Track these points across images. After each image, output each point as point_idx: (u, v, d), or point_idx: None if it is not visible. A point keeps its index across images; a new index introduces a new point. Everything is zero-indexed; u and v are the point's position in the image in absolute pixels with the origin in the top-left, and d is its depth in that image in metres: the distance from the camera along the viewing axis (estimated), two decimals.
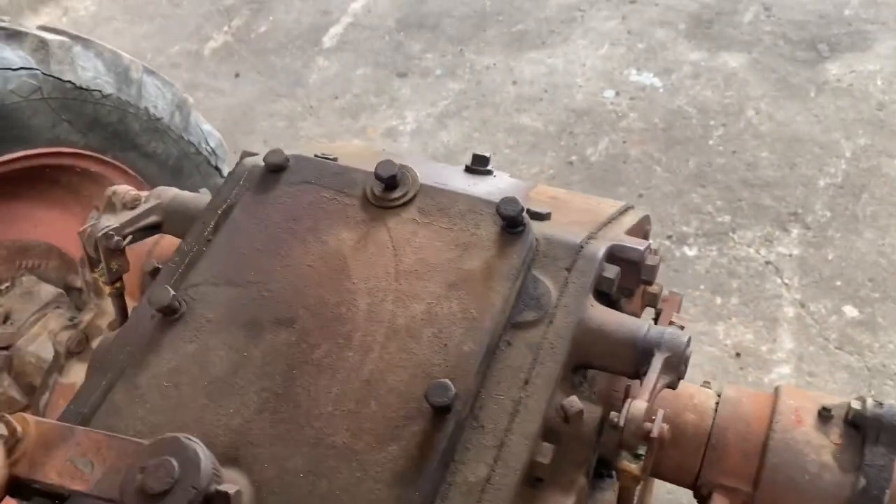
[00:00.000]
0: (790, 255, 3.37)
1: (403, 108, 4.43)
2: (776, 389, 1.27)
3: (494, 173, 1.49)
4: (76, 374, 1.66)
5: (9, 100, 1.95)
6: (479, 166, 1.47)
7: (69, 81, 2.08)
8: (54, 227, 2.40)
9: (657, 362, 1.02)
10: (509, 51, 4.67)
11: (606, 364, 1.09)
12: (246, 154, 1.41)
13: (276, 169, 1.27)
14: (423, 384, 1.00)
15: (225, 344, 1.09)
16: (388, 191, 1.20)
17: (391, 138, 4.26)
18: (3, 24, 2.07)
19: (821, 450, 1.15)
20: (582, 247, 1.14)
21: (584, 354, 1.09)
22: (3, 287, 2.26)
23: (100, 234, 1.26)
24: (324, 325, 1.08)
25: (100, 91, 2.18)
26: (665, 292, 1.50)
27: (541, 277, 1.12)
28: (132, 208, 1.60)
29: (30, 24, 2.31)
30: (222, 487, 0.85)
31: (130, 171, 2.39)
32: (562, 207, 1.31)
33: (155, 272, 1.28)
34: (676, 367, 1.04)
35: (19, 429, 0.92)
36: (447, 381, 0.96)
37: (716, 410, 1.25)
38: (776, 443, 1.17)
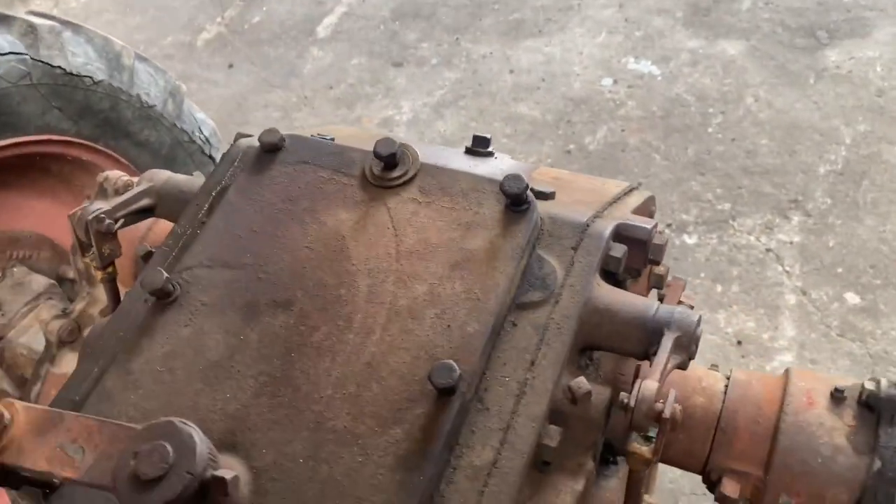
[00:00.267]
0: (791, 243, 3.35)
1: (399, 98, 4.39)
2: (786, 371, 1.24)
3: (495, 155, 1.45)
4: (68, 363, 1.62)
5: None
6: (479, 148, 1.43)
7: (59, 67, 2.04)
8: (45, 216, 2.36)
9: (667, 342, 0.99)
10: (506, 39, 4.63)
11: (614, 345, 1.06)
12: (240, 135, 1.37)
13: (271, 149, 1.23)
14: (426, 366, 0.96)
15: (221, 327, 1.05)
16: (388, 170, 1.17)
17: (387, 128, 4.22)
18: None
19: (834, 432, 1.13)
20: (588, 225, 1.11)
21: (591, 335, 1.06)
22: None
23: (90, 217, 1.22)
24: (323, 308, 1.05)
25: (91, 77, 2.13)
26: (669, 277, 1.46)
27: (546, 257, 1.08)
28: (123, 194, 1.57)
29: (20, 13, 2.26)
30: (219, 473, 0.81)
31: (123, 160, 2.35)
32: (565, 188, 1.28)
33: (148, 256, 1.24)
34: (687, 346, 1.01)
35: (6, 415, 0.89)
36: (451, 361, 0.92)
37: (725, 393, 1.22)
38: (788, 425, 1.14)
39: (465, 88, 4.37)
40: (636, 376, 1.07)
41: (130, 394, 1.02)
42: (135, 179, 1.63)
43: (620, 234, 1.14)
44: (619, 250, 1.10)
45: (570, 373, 1.04)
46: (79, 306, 1.65)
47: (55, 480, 0.93)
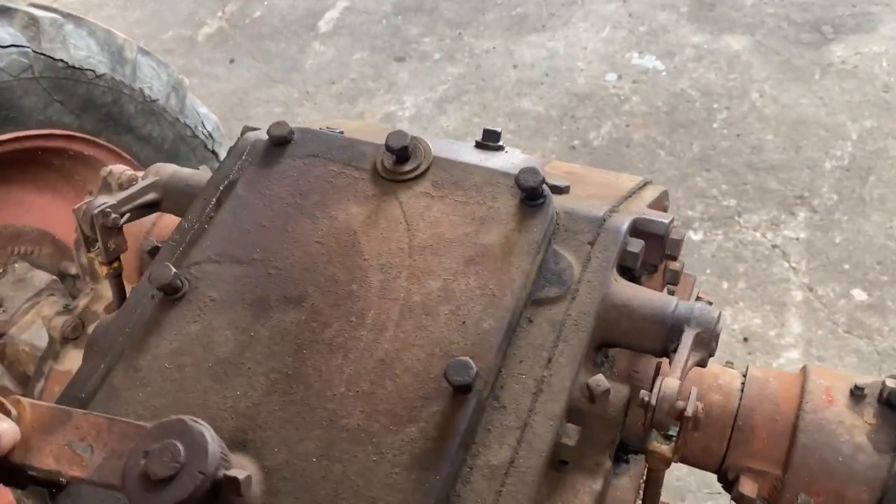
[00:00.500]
0: (797, 239, 3.32)
1: (402, 93, 4.36)
2: (803, 369, 1.22)
3: (506, 149, 1.43)
4: (72, 360, 1.60)
5: None
6: (490, 141, 1.41)
7: (61, 60, 2.01)
8: (47, 212, 2.33)
9: (688, 339, 0.97)
10: (509, 34, 4.60)
11: (632, 342, 1.04)
12: (247, 129, 1.35)
13: (280, 142, 1.21)
14: (441, 363, 0.94)
15: (230, 323, 1.03)
16: (400, 163, 1.14)
17: (390, 123, 4.19)
18: None
19: (854, 430, 1.10)
20: (605, 220, 1.09)
21: (608, 332, 1.03)
22: None
23: (96, 211, 1.20)
24: (335, 303, 1.03)
25: (93, 71, 2.11)
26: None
27: (562, 252, 1.06)
28: (128, 189, 1.54)
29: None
30: (231, 472, 0.79)
31: (125, 155, 2.32)
32: (579, 182, 1.26)
33: (154, 251, 1.22)
34: (707, 343, 0.99)
35: (13, 412, 0.86)
36: (467, 358, 0.90)
37: (742, 391, 1.20)
38: (807, 423, 1.12)
39: (468, 83, 4.34)
40: (657, 374, 1.05)
41: (138, 391, 1.00)
42: (139, 174, 1.60)
43: (637, 229, 1.12)
44: (636, 245, 1.08)
45: (587, 370, 1.02)
46: (82, 303, 1.62)
47: (62, 480, 0.91)
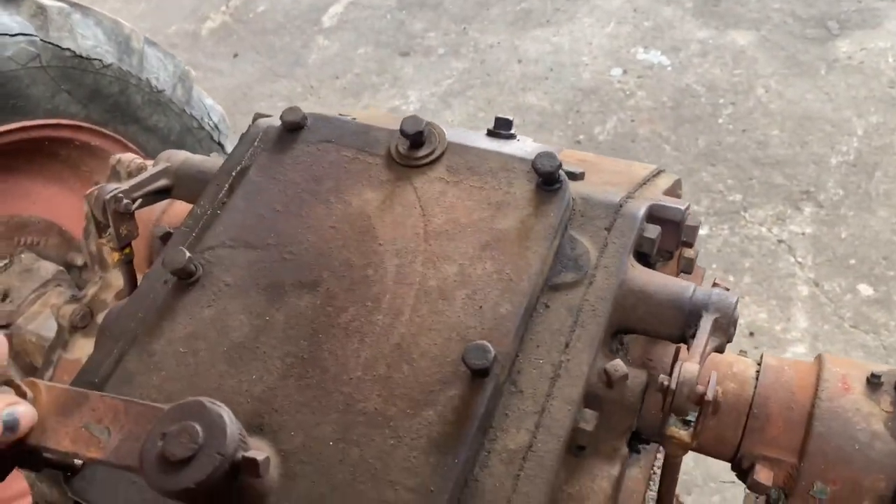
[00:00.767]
0: (803, 234, 3.32)
1: (406, 88, 4.35)
2: (818, 357, 1.21)
3: (518, 137, 1.42)
4: (80, 349, 1.59)
5: (6, 67, 1.87)
6: (502, 129, 1.40)
7: (68, 49, 2.01)
8: (53, 202, 2.33)
9: (706, 324, 0.96)
10: (514, 29, 4.59)
11: (649, 327, 1.03)
12: (259, 115, 1.34)
13: (293, 128, 1.20)
14: (458, 347, 0.94)
15: (245, 308, 1.02)
16: (414, 148, 1.14)
17: None
18: None
19: (871, 418, 1.10)
20: (621, 206, 1.08)
21: (625, 317, 1.03)
22: (1, 264, 2.19)
23: (108, 197, 1.19)
24: (350, 288, 1.02)
25: (100, 60, 2.10)
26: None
27: (578, 237, 1.06)
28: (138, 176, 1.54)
29: None
30: (250, 454, 0.79)
31: (131, 146, 2.32)
32: (593, 169, 1.25)
33: (166, 237, 1.21)
34: (726, 328, 0.98)
35: (29, 394, 0.86)
36: (486, 342, 0.90)
37: (756, 379, 1.19)
38: (823, 411, 1.11)
39: (473, 78, 4.33)
40: (675, 360, 1.04)
41: (153, 375, 0.99)
42: (148, 162, 1.60)
43: (653, 215, 1.11)
44: (653, 231, 1.08)
45: (604, 356, 1.01)
46: (91, 291, 1.62)
47: (77, 462, 0.91)
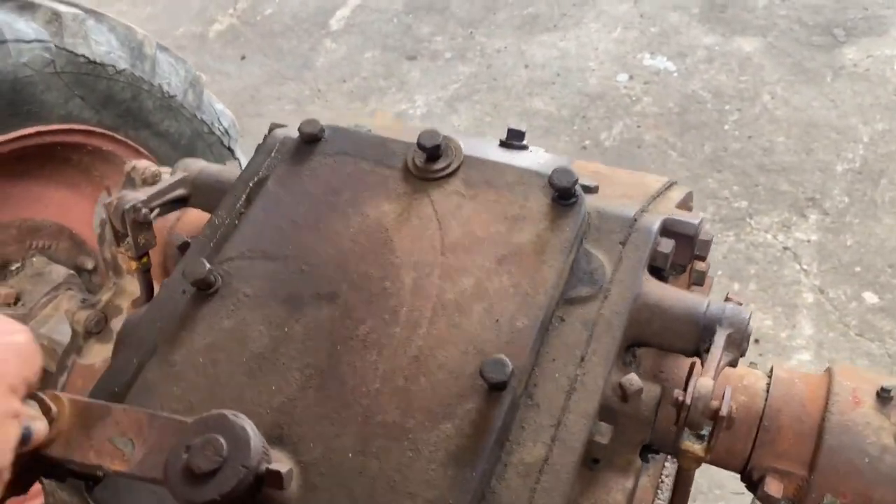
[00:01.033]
0: (808, 241, 3.33)
1: (413, 92, 4.36)
2: (829, 369, 1.22)
3: (530, 148, 1.43)
4: (95, 354, 1.61)
5: (21, 73, 1.89)
6: (514, 140, 1.42)
7: (83, 55, 2.02)
8: (65, 207, 2.34)
9: (720, 338, 0.97)
10: (520, 34, 4.60)
11: (664, 341, 1.04)
12: (275, 126, 1.35)
13: (311, 139, 1.21)
14: (475, 360, 0.95)
15: (264, 319, 1.04)
16: (431, 161, 1.15)
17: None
18: None
19: (881, 431, 1.11)
20: (636, 220, 1.09)
21: (640, 331, 1.04)
22: (13, 268, 2.21)
23: (127, 207, 1.21)
24: (368, 301, 1.03)
25: (113, 66, 2.12)
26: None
27: (593, 251, 1.07)
28: (152, 184, 1.55)
29: None
30: (273, 466, 0.80)
31: (143, 151, 2.33)
32: (606, 182, 1.26)
33: (185, 246, 1.22)
34: (739, 343, 1.00)
35: (53, 408, 0.87)
36: (503, 356, 0.91)
37: (767, 391, 1.20)
38: (833, 424, 1.12)
39: (480, 83, 4.34)
40: (690, 374, 1.06)
41: (173, 386, 1.01)
42: (163, 169, 1.61)
43: (667, 229, 1.12)
44: (667, 245, 1.09)
45: (619, 369, 1.02)
46: (105, 297, 1.63)
47: (100, 473, 0.92)
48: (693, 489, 2.60)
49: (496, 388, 0.92)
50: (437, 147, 1.13)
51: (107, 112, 2.17)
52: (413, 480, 0.88)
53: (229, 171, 1.37)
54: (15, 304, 2.12)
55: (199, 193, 1.33)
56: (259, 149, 1.28)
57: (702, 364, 0.98)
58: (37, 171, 2.24)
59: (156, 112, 2.30)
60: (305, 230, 1.12)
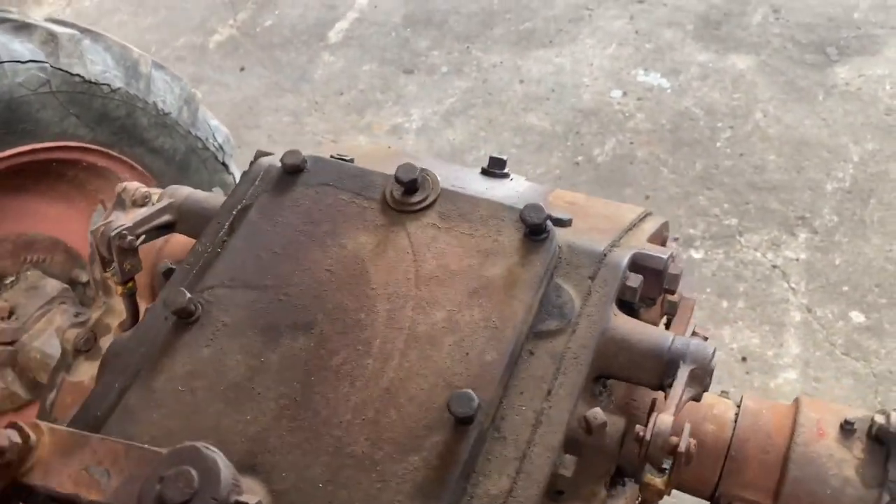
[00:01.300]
0: (797, 260, 3.36)
1: (409, 106, 4.40)
2: (796, 401, 1.25)
3: (511, 176, 1.47)
4: (84, 372, 1.64)
5: (17, 93, 1.92)
6: (496, 169, 1.45)
7: (78, 75, 2.06)
8: (60, 221, 2.38)
9: (683, 374, 1.00)
10: (516, 49, 4.65)
11: (630, 375, 1.07)
12: (261, 154, 1.39)
13: (293, 170, 1.25)
14: (444, 393, 0.98)
15: (241, 348, 1.07)
16: (408, 194, 1.18)
17: (397, 136, 4.23)
18: (11, 16, 2.04)
19: (843, 464, 1.14)
20: (605, 255, 1.12)
21: (607, 365, 1.07)
22: (7, 281, 2.24)
23: (113, 234, 1.24)
24: (343, 331, 1.06)
25: (108, 85, 2.15)
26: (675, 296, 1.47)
27: (563, 285, 1.10)
28: (142, 205, 1.58)
29: (34, 14, 2.28)
30: (242, 498, 0.83)
31: (137, 167, 2.37)
32: (581, 213, 1.29)
33: (168, 273, 1.26)
34: (702, 379, 1.03)
35: (32, 436, 0.90)
36: (470, 391, 0.94)
37: (735, 421, 1.23)
38: (798, 455, 1.15)
39: (475, 97, 4.38)
40: (652, 409, 1.09)
41: (153, 412, 1.04)
42: (153, 190, 1.64)
43: (637, 264, 1.15)
44: (635, 280, 1.12)
45: (586, 401, 1.05)
46: (95, 315, 1.66)
47: (79, 502, 0.95)
48: None
49: (463, 423, 0.94)
50: (414, 181, 1.16)
51: (101, 129, 2.20)
52: None
53: (215, 197, 1.40)
54: (9, 317, 2.15)
55: (184, 220, 1.36)
56: (243, 177, 1.32)
57: (664, 398, 1.01)
58: (32, 186, 2.27)
59: (150, 129, 2.33)
60: (285, 260, 1.15)
